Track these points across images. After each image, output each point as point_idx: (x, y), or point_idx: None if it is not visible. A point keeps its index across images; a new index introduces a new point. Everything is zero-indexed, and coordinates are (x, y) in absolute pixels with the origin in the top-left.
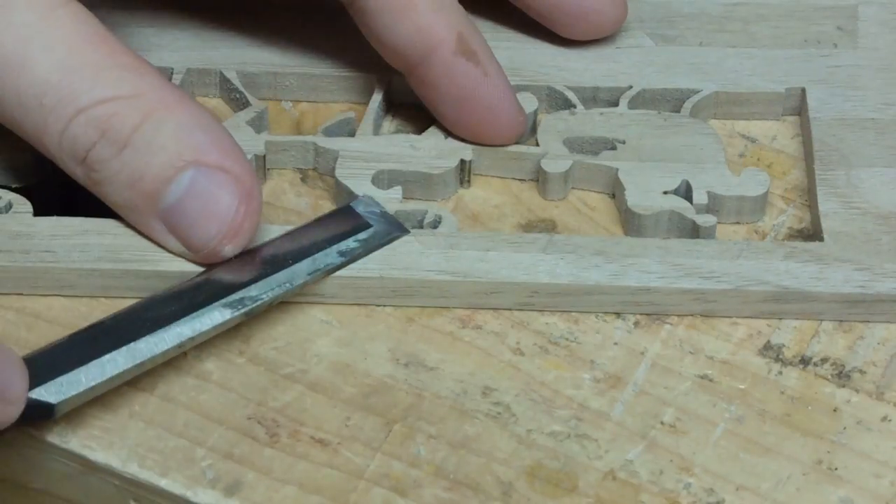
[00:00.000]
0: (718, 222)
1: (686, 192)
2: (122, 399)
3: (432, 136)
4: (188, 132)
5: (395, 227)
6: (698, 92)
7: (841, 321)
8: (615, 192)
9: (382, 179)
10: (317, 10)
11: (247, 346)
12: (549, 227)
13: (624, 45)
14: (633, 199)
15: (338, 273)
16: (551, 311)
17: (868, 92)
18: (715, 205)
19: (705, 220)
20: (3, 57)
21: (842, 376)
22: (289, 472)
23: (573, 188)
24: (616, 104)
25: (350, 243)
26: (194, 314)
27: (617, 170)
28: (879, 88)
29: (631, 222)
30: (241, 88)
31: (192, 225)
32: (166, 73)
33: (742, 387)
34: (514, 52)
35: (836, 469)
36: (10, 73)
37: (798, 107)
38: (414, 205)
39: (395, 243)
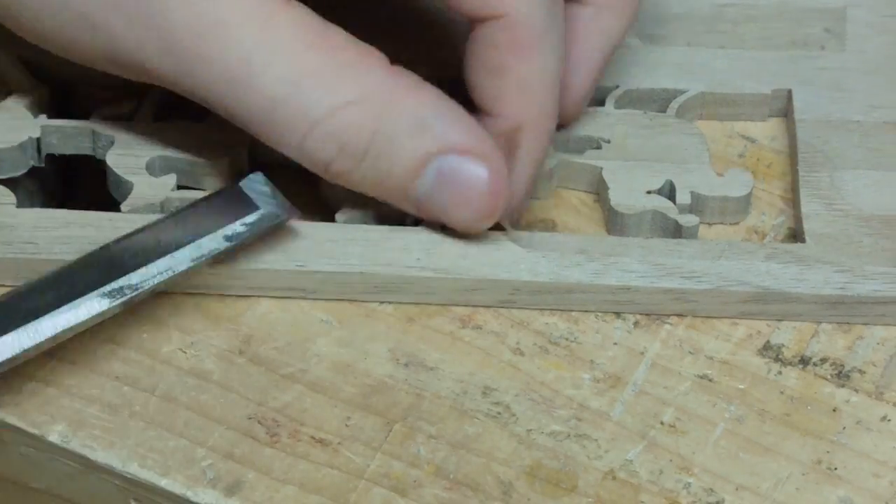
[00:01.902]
0: (702, 222)
1: (670, 192)
2: (122, 399)
3: None
4: (423, 124)
5: (283, 210)
6: (685, 92)
7: (820, 322)
8: (599, 190)
9: None
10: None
11: (247, 346)
12: (549, 226)
13: None
14: (617, 198)
15: (318, 268)
16: (543, 309)
17: (854, 94)
18: (698, 205)
19: (687, 220)
20: (228, 77)
21: (841, 376)
22: (289, 472)
23: (559, 187)
24: (602, 103)
25: (237, 227)
26: (71, 304)
27: (601, 169)
28: (865, 91)
29: (614, 221)
30: None
31: (445, 213)
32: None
33: (742, 387)
34: None
35: (835, 469)
36: (238, 92)
37: (784, 108)
38: None
39: (381, 239)
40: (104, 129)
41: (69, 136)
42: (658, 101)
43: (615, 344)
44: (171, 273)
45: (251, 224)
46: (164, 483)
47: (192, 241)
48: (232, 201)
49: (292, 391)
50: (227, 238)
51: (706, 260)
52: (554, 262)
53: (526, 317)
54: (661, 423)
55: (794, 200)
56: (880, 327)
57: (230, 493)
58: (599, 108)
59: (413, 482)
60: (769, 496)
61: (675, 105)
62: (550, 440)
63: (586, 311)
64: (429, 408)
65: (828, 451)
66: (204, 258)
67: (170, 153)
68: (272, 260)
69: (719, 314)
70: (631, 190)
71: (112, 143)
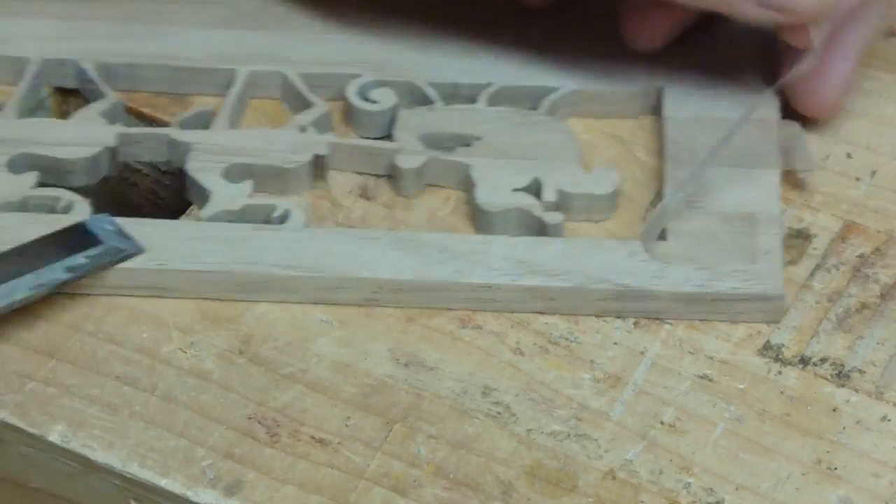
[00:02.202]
0: (569, 220)
1: (537, 189)
2: (122, 399)
3: (288, 131)
4: None
5: (128, 245)
6: (556, 90)
7: (678, 320)
8: (468, 188)
9: (234, 173)
10: (181, 1)
11: (247, 346)
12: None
13: (486, 42)
14: (483, 196)
15: (179, 267)
16: (412, 308)
17: (723, 92)
18: (565, 202)
19: (552, 217)
20: None
21: (841, 376)
22: (289, 472)
23: (428, 184)
24: (475, 101)
25: (79, 259)
26: None
27: (470, 166)
28: (734, 89)
29: (481, 219)
30: (96, 79)
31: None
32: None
33: (742, 387)
34: (375, 46)
35: (835, 469)
36: None
37: (655, 106)
38: (263, 199)
39: (244, 238)
40: (182, 136)
41: (146, 143)
42: (530, 99)
43: (615, 344)
44: (6, 301)
45: (94, 257)
46: (164, 483)
47: (33, 271)
48: (76, 236)
49: (292, 391)
50: (69, 269)
51: (569, 258)
52: (417, 261)
53: (526, 317)
54: (661, 423)
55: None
56: (881, 327)
57: (230, 493)
58: (471, 106)
59: (413, 482)
60: (769, 496)
61: (546, 103)
62: (550, 440)
63: (451, 308)
64: (429, 408)
65: (828, 451)
66: (44, 287)
67: (247, 160)
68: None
69: (582, 311)
70: (498, 188)
71: (189, 150)
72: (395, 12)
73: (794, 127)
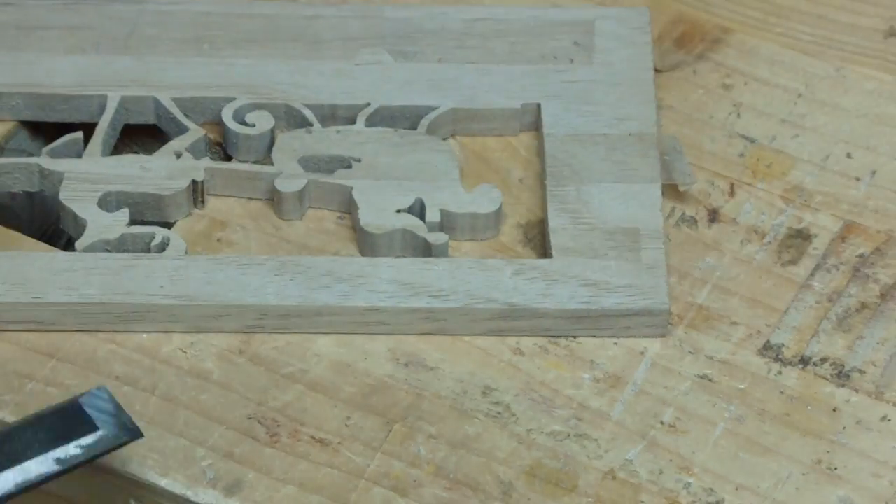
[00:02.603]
0: (453, 239)
1: (420, 210)
2: (122, 399)
3: (163, 157)
4: None
5: (125, 430)
6: (435, 109)
7: (567, 337)
8: (350, 210)
9: (110, 202)
10: (48, 27)
11: (247, 345)
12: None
13: (363, 61)
14: (367, 217)
15: (55, 300)
16: (296, 333)
17: (601, 107)
18: (449, 222)
19: (436, 238)
20: None
21: (841, 376)
22: (289, 472)
23: (311, 207)
24: (354, 122)
25: (71, 449)
26: None
27: (351, 188)
28: (612, 104)
29: (364, 241)
30: None
31: None
32: None
33: (742, 387)
34: (251, 69)
35: (835, 469)
36: None
37: (535, 122)
38: (141, 228)
39: (123, 268)
40: (53, 166)
41: (16, 173)
42: (409, 118)
43: (615, 343)
44: None
45: (87, 447)
46: (164, 483)
47: (18, 463)
48: (69, 419)
49: (292, 391)
50: (59, 462)
51: (455, 278)
52: (302, 285)
53: None
54: (661, 423)
55: (543, 216)
56: (881, 327)
57: (230, 493)
58: (350, 127)
59: (413, 482)
60: (769, 496)
61: (425, 122)
62: (550, 440)
63: (338, 333)
64: (429, 408)
65: (828, 451)
66: (29, 483)
67: (123, 187)
68: (5, 292)
69: (468, 332)
70: (381, 209)
71: (62, 179)
72: (267, 32)
73: (672, 141)
